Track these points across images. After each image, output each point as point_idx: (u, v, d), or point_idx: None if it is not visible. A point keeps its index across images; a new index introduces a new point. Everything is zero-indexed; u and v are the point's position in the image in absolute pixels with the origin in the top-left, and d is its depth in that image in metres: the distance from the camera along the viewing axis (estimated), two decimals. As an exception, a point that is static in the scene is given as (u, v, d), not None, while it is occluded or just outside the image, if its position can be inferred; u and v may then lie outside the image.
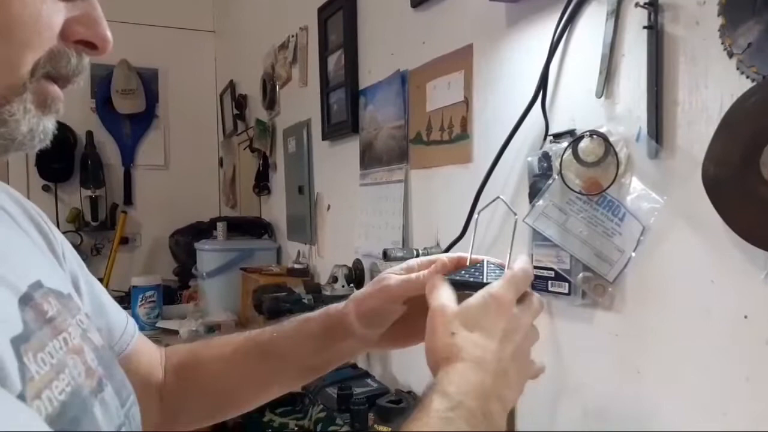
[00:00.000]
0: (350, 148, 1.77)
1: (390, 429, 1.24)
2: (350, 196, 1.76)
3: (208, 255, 2.41)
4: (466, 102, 1.21)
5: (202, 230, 3.08)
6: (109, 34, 0.45)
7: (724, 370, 0.73)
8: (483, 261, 0.61)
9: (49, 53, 0.42)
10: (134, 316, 2.32)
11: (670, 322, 0.80)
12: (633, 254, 0.84)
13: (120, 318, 0.69)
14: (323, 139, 1.97)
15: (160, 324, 2.33)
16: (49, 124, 0.44)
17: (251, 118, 2.90)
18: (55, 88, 0.44)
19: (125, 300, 2.79)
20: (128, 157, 3.46)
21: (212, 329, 2.13)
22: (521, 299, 0.56)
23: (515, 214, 0.61)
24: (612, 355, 0.89)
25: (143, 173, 3.48)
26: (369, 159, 1.66)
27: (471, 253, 0.65)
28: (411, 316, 0.65)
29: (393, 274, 0.65)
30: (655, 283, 0.82)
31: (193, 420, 0.75)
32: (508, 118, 1.07)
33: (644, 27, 0.81)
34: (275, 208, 2.59)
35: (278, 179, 2.52)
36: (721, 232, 0.71)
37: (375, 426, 1.25)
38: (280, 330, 0.71)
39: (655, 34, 0.80)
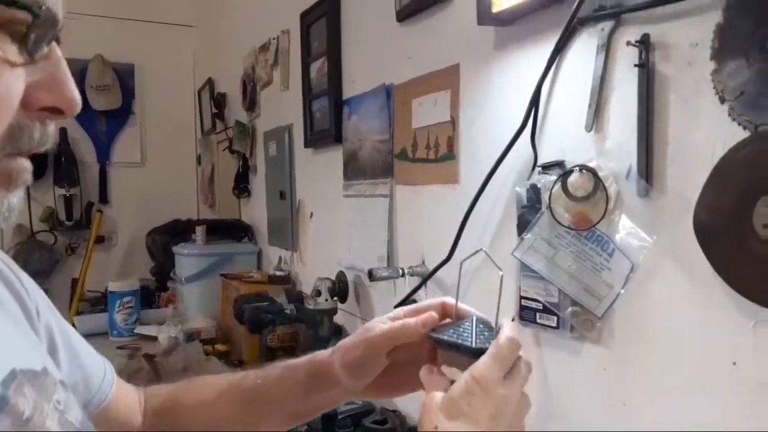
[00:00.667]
0: (333, 158, 1.75)
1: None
2: (333, 205, 1.75)
3: (187, 260, 2.37)
4: (453, 122, 1.20)
5: (180, 230, 3.04)
6: (76, 95, 0.41)
7: (710, 412, 0.74)
8: (471, 318, 0.61)
9: (8, 132, 0.37)
10: (111, 322, 2.29)
11: (657, 360, 0.81)
12: (621, 291, 0.84)
13: (97, 368, 0.67)
14: (306, 147, 1.94)
15: (138, 330, 2.30)
16: (14, 200, 0.40)
17: (230, 118, 2.86)
18: (19, 162, 0.40)
19: (101, 302, 2.75)
20: (104, 155, 3.39)
21: (192, 336, 2.10)
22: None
23: (500, 270, 0.60)
24: (599, 388, 0.89)
25: (119, 171, 3.42)
26: (353, 170, 1.64)
27: (457, 302, 0.64)
28: (398, 367, 0.64)
29: (378, 323, 0.64)
30: (643, 320, 0.83)
31: None
32: (495, 142, 1.06)
33: (635, 65, 0.80)
34: (256, 211, 2.56)
35: (258, 182, 2.49)
36: (711, 277, 0.71)
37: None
38: (265, 376, 0.70)
39: (646, 72, 0.80)
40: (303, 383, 0.67)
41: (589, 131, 0.89)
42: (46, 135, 0.41)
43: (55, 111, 0.40)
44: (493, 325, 0.59)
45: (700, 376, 0.75)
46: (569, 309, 0.90)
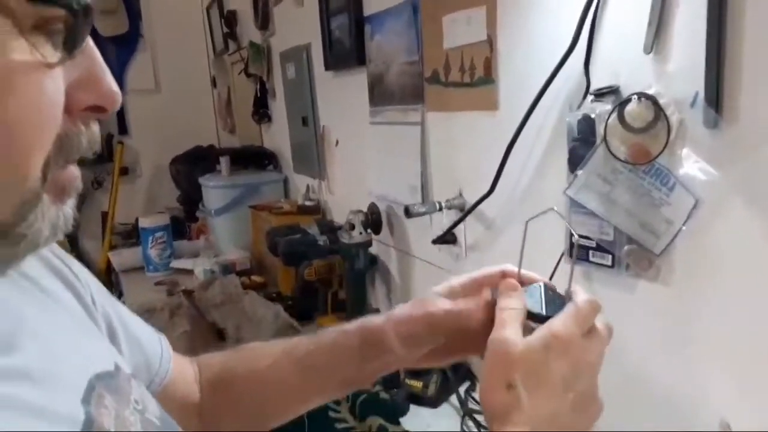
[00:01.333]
0: (357, 81, 1.66)
1: (421, 383, 1.25)
2: (360, 133, 1.68)
3: (214, 192, 2.36)
4: (490, 42, 1.11)
5: (202, 157, 3.01)
6: (115, 87, 0.38)
7: (782, 356, 0.71)
8: (539, 285, 0.57)
9: (56, 144, 0.35)
10: (146, 258, 2.31)
11: (723, 302, 0.77)
12: (683, 227, 0.79)
13: (154, 346, 0.66)
14: (327, 69, 1.85)
15: (174, 264, 2.32)
16: (69, 210, 0.38)
17: (243, 38, 2.74)
18: (70, 171, 0.37)
19: (133, 235, 2.78)
20: (117, 83, 3.30)
21: (227, 269, 2.12)
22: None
23: (575, 236, 0.55)
24: (656, 328, 0.86)
25: (134, 99, 3.34)
26: (379, 95, 1.56)
27: (520, 267, 0.60)
28: (453, 337, 0.62)
29: (437, 299, 0.61)
30: (707, 259, 0.78)
31: (233, 428, 0.74)
32: (539, 64, 0.98)
33: (706, -24, 0.71)
34: (278, 137, 2.50)
35: (278, 107, 2.41)
36: (790, 216, 0.66)
37: (406, 380, 1.26)
38: (318, 343, 0.68)
39: (720, -17, 0.71)
40: (356, 350, 0.65)
41: (649, 53, 0.80)
42: (93, 138, 0.38)
43: (97, 109, 0.37)
44: (563, 292, 0.55)
45: (771, 319, 0.71)
46: (625, 247, 0.85)
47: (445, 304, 0.60)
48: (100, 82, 0.37)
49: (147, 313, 1.88)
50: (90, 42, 0.36)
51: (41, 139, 0.34)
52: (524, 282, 0.58)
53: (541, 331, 0.50)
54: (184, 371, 0.70)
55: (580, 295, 0.53)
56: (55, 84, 0.34)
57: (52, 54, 0.33)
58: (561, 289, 0.57)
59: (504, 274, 0.60)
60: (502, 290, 0.55)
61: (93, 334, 0.52)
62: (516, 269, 0.59)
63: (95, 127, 0.39)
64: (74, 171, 0.38)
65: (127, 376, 0.49)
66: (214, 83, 3.42)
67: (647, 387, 0.89)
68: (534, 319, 0.53)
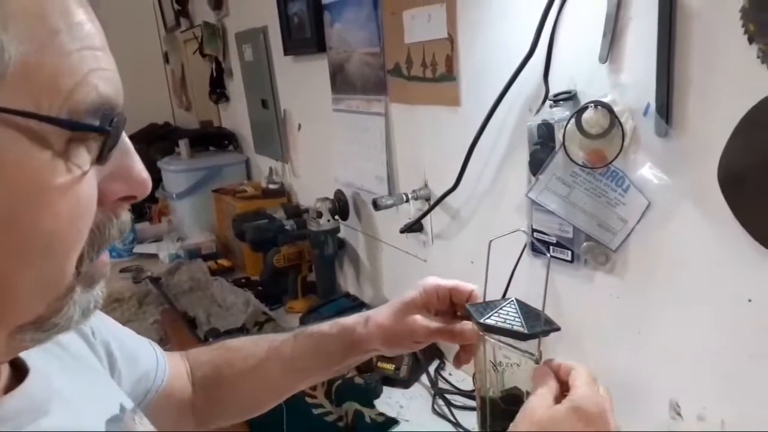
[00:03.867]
0: (318, 68, 1.66)
1: (393, 365, 1.31)
2: (323, 119, 1.69)
3: (175, 176, 2.33)
4: (451, 40, 1.13)
5: (158, 135, 2.96)
6: (145, 174, 0.39)
7: (724, 345, 0.78)
8: (511, 300, 0.62)
9: (90, 238, 0.37)
10: (109, 244, 2.28)
11: (671, 292, 0.84)
12: (636, 226, 0.85)
13: (149, 356, 0.71)
14: (285, 54, 1.84)
15: (138, 249, 2.30)
16: (98, 292, 0.40)
17: (195, 16, 2.67)
18: (100, 262, 0.39)
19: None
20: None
21: (193, 253, 2.12)
22: None
23: (547, 255, 0.60)
24: (611, 315, 0.93)
25: (83, 77, 3.23)
26: (341, 83, 1.57)
27: (486, 285, 0.65)
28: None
29: (422, 318, 0.70)
30: (658, 254, 0.84)
31: (224, 422, 0.81)
32: (499, 66, 1.02)
33: (657, -5, 0.75)
34: (237, 117, 2.48)
35: (236, 87, 2.39)
36: (731, 222, 0.72)
37: (379, 363, 1.32)
38: (302, 347, 0.75)
39: (669, 1, 0.75)
40: (340, 353, 0.73)
41: (604, 62, 0.85)
42: (123, 225, 0.40)
43: (130, 198, 0.39)
44: (537, 308, 0.60)
45: (714, 310, 0.78)
46: (584, 244, 0.91)
47: (426, 324, 0.68)
48: (131, 172, 0.39)
49: (116, 303, 1.88)
50: (122, 134, 0.38)
51: (77, 242, 0.36)
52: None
53: (566, 402, 0.54)
54: (178, 371, 0.75)
55: (581, 375, 0.57)
56: (89, 187, 0.36)
57: (86, 161, 0.35)
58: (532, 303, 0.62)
59: (471, 295, 0.66)
60: (538, 376, 0.58)
61: (99, 376, 0.56)
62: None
63: (126, 216, 0.40)
64: (105, 259, 0.40)
65: (131, 414, 0.53)
66: (166, 59, 3.33)
67: (602, 370, 0.97)
68: (513, 336, 0.58)
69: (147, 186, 0.39)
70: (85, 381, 0.52)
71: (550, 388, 0.55)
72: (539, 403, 0.54)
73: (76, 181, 0.34)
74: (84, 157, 0.35)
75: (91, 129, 0.34)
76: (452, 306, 0.69)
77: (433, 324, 0.68)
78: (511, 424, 0.53)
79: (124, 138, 0.38)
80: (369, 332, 0.71)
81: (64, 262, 0.35)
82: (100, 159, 0.35)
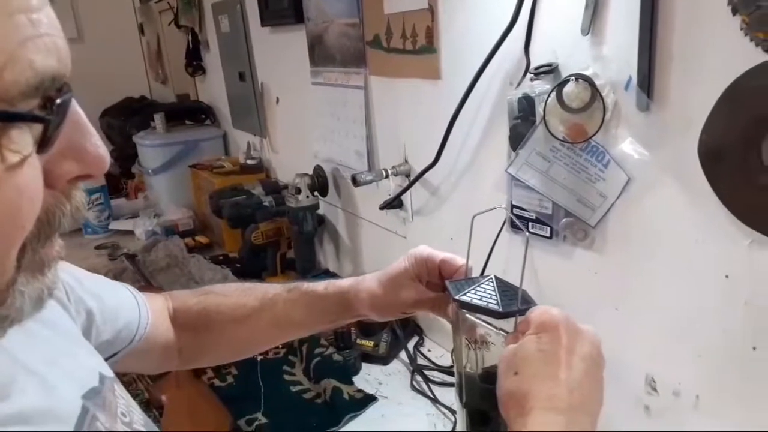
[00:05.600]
0: (296, 39, 1.62)
1: (372, 342, 1.31)
2: (301, 92, 1.66)
3: (151, 150, 2.28)
4: (431, 11, 1.11)
5: (135, 110, 2.89)
6: (102, 150, 0.35)
7: (700, 321, 0.78)
8: (490, 277, 0.61)
9: (36, 230, 0.32)
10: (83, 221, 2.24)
11: (649, 267, 0.84)
12: (616, 201, 0.85)
13: (130, 306, 0.71)
14: (263, 25, 1.79)
15: (113, 226, 2.26)
16: (51, 278, 0.36)
17: (169, -16, 2.59)
18: (51, 247, 0.35)
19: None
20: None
21: (170, 230, 2.08)
22: None
23: (526, 232, 0.59)
24: (590, 290, 0.93)
25: (56, 49, 3.13)
26: (320, 56, 1.54)
27: (468, 259, 0.64)
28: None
29: (407, 283, 0.69)
30: (636, 230, 0.84)
31: (207, 363, 0.89)
32: (479, 38, 0.99)
33: (640, -35, 0.73)
34: (214, 90, 2.43)
35: (213, 60, 2.33)
36: (710, 196, 0.71)
37: (358, 340, 1.31)
38: (294, 302, 0.77)
39: (652, -29, 0.73)
40: (331, 312, 0.76)
41: (586, 35, 0.83)
42: (76, 205, 0.35)
43: (84, 177, 0.35)
44: (517, 285, 0.59)
45: (692, 286, 0.78)
46: (563, 220, 0.90)
47: (415, 293, 0.68)
48: (85, 150, 0.34)
49: (90, 280, 1.85)
50: (73, 105, 0.33)
51: (17, 238, 0.31)
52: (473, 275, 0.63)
53: (531, 326, 0.54)
54: (161, 317, 0.76)
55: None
56: (32, 173, 0.31)
57: (27, 144, 0.30)
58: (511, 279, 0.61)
59: (458, 271, 0.65)
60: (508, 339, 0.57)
61: (77, 343, 0.54)
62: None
63: (80, 197, 0.36)
64: (56, 245, 0.36)
65: (111, 384, 0.52)
66: (141, 31, 3.24)
67: (582, 345, 0.97)
68: (490, 314, 0.57)
69: (103, 163, 0.35)
70: (62, 352, 0.50)
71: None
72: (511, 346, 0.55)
73: (14, 170, 0.29)
74: (25, 140, 0.30)
75: (27, 119, 0.29)
76: (442, 278, 0.68)
77: (422, 294, 0.68)
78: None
79: (75, 109, 0.34)
80: (360, 299, 0.72)
81: (4, 256, 0.31)
82: (44, 145, 0.31)
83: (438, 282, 0.68)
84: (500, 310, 0.56)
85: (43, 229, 0.33)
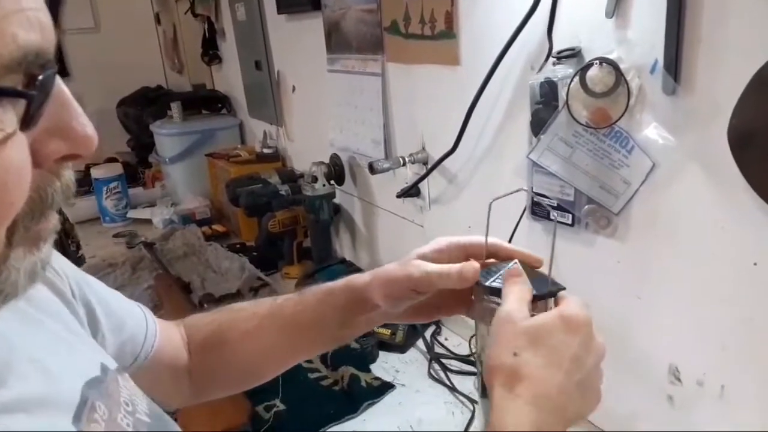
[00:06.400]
0: (312, 27, 1.61)
1: (389, 330, 1.30)
2: (318, 81, 1.65)
3: (168, 139, 2.29)
4: (450, -5, 1.09)
5: (151, 99, 2.90)
6: (90, 129, 0.34)
7: (725, 309, 0.77)
8: (515, 262, 0.60)
9: (29, 207, 0.32)
10: (102, 209, 2.26)
11: (674, 256, 0.82)
12: (640, 188, 0.83)
13: (138, 319, 0.68)
14: (279, 13, 1.78)
15: (131, 214, 2.27)
16: (46, 252, 0.36)
17: (186, -27, 2.59)
18: (45, 223, 0.35)
19: (85, 183, 2.69)
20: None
21: (187, 219, 2.09)
22: None
23: (554, 219, 0.57)
24: (613, 280, 0.92)
25: (73, 39, 3.14)
26: (336, 43, 1.53)
27: (486, 244, 0.63)
28: (436, 294, 0.65)
29: (422, 262, 0.63)
30: (661, 217, 0.82)
31: (222, 391, 0.79)
32: (500, 22, 0.98)
33: (668, -56, 0.71)
34: (230, 79, 2.43)
35: (229, 49, 2.33)
36: (738, 183, 0.70)
37: (375, 328, 1.30)
38: (303, 303, 0.71)
39: (680, -49, 0.71)
40: (342, 309, 0.68)
41: (610, 17, 0.81)
42: (66, 183, 0.35)
43: (72, 157, 0.34)
44: (546, 271, 0.58)
45: (719, 274, 0.77)
46: (585, 207, 0.89)
47: (430, 268, 0.61)
48: (72, 129, 0.34)
49: (109, 268, 1.86)
50: (59, 84, 0.32)
51: (5, 218, 0.31)
52: (499, 256, 0.61)
53: (553, 313, 0.52)
54: (170, 336, 0.73)
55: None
56: (18, 152, 0.30)
57: (11, 122, 0.29)
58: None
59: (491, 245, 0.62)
60: (508, 277, 0.56)
61: (79, 335, 0.53)
62: (502, 244, 0.62)
63: (69, 175, 0.36)
64: (50, 220, 0.36)
65: (114, 375, 0.51)
66: (158, 20, 3.25)
67: (603, 334, 0.96)
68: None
69: (91, 142, 0.34)
70: (63, 342, 0.49)
71: (524, 292, 0.54)
72: (517, 307, 0.52)
73: (2, 146, 0.29)
74: (8, 117, 0.29)
75: (9, 94, 0.29)
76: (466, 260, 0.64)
77: (431, 266, 0.61)
78: (490, 328, 0.52)
79: (60, 87, 0.33)
80: (370, 282, 0.66)
81: None
82: (27, 122, 0.30)
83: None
84: (535, 292, 0.55)
85: (36, 207, 0.33)
